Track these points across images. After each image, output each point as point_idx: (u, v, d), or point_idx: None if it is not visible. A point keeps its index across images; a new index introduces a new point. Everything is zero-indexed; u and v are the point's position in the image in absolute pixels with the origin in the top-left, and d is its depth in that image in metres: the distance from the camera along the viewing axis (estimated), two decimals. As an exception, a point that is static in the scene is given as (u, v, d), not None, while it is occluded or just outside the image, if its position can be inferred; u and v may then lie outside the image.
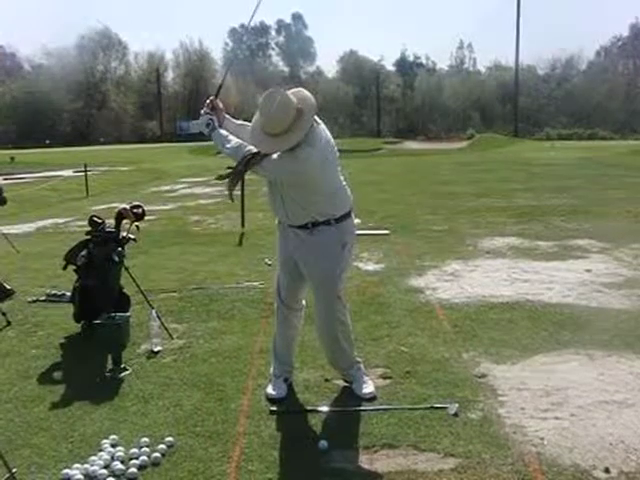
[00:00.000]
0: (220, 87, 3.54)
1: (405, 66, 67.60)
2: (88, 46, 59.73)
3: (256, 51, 78.69)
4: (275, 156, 3.18)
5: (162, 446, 2.96)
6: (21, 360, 4.23)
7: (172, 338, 4.54)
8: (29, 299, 5.64)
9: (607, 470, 2.68)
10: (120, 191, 16.59)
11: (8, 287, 5.82)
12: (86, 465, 2.84)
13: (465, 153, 33.68)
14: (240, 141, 3.32)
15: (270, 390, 3.52)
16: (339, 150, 3.39)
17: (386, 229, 8.82)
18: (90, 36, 60.17)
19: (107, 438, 3.07)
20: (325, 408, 3.34)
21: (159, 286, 6.03)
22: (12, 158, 28.82)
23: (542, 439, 2.95)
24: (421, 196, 13.25)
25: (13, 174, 21.30)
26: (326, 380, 3.69)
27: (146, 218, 5.26)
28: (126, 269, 4.82)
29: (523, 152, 30.48)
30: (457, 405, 3.28)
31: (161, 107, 57.64)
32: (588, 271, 6.20)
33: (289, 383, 3.61)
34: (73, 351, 4.44)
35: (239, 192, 9.78)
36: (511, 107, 53.52)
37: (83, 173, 16.65)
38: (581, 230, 8.50)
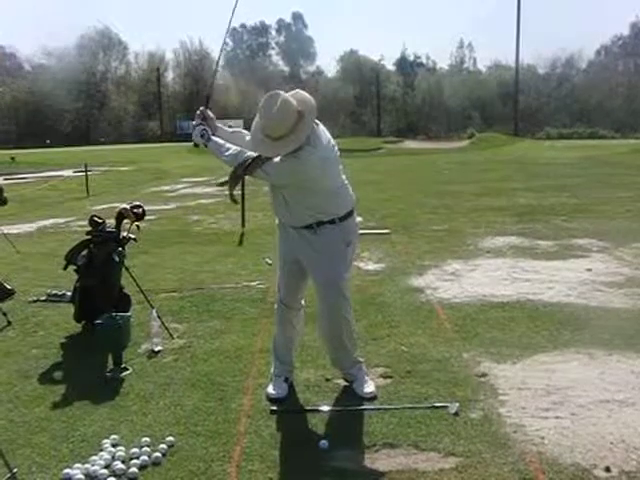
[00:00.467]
0: (208, 98, 3.51)
1: (405, 65, 67.54)
2: (88, 46, 59.75)
3: (256, 51, 78.71)
4: (277, 159, 3.17)
5: (163, 446, 2.96)
6: (22, 360, 4.23)
7: (173, 338, 4.54)
8: (30, 299, 5.65)
9: (608, 469, 2.68)
10: (120, 191, 16.58)
11: (9, 287, 5.82)
12: (87, 465, 2.84)
13: (465, 152, 33.66)
14: (238, 148, 3.32)
15: (271, 390, 3.52)
16: (339, 150, 3.39)
17: (386, 229, 8.82)
18: (90, 36, 60.23)
19: (108, 438, 3.07)
20: (326, 408, 3.34)
21: (159, 286, 6.03)
22: (13, 158, 28.82)
23: (543, 438, 2.95)
24: (421, 195, 13.25)
25: (14, 174, 21.32)
26: (327, 380, 3.69)
27: (146, 218, 5.27)
28: (126, 269, 4.83)
29: (523, 151, 30.47)
30: (458, 404, 3.28)
31: (161, 107, 57.64)
32: (589, 270, 6.20)
33: (290, 383, 3.61)
34: (74, 351, 4.44)
35: (239, 192, 9.80)
36: (511, 106, 53.45)
37: (83, 173, 16.65)
38: (581, 229, 8.50)
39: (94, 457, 2.90)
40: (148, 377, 3.85)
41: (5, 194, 6.29)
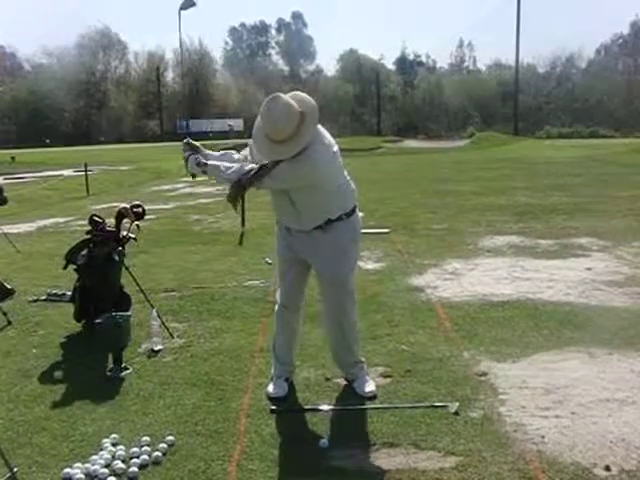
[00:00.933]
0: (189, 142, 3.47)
1: (405, 65, 67.54)
2: (88, 45, 59.73)
3: (256, 50, 78.69)
4: (284, 163, 3.12)
5: (163, 445, 2.96)
6: (22, 359, 4.23)
7: (173, 337, 4.54)
8: (30, 299, 5.65)
9: (608, 468, 2.68)
10: (120, 190, 16.59)
11: (9, 287, 5.82)
12: (87, 464, 2.84)
13: (465, 152, 33.65)
14: (237, 164, 3.29)
15: (271, 389, 3.52)
16: (340, 149, 3.39)
17: (386, 228, 8.82)
18: (90, 35, 60.20)
19: (108, 437, 3.07)
20: (326, 407, 3.35)
21: (159, 285, 6.04)
22: (12, 158, 28.80)
23: (543, 437, 2.95)
24: (421, 195, 13.24)
25: (14, 174, 21.29)
26: (327, 379, 3.70)
27: (146, 217, 5.27)
28: (126, 268, 4.83)
29: (523, 150, 30.46)
30: (458, 403, 3.28)
31: (161, 106, 57.61)
32: (589, 269, 6.20)
33: (290, 382, 3.62)
34: (74, 350, 4.44)
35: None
36: (511, 106, 53.43)
37: (83, 172, 16.65)
38: (582, 228, 8.49)
39: (94, 456, 2.90)
40: (148, 376, 3.85)
41: (5, 194, 6.30)
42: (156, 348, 4.29)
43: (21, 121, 53.24)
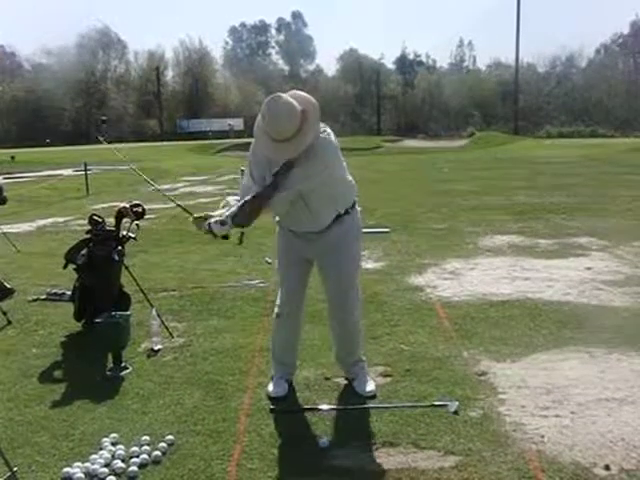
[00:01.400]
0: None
1: (405, 64, 67.57)
2: (88, 45, 59.73)
3: (256, 50, 78.69)
4: (299, 167, 3.09)
5: (163, 444, 2.96)
6: (22, 359, 4.23)
7: (172, 337, 4.54)
8: (29, 298, 5.64)
9: (607, 467, 2.68)
10: (120, 190, 16.58)
11: (8, 286, 5.81)
12: (87, 463, 2.84)
13: (465, 151, 33.65)
14: (246, 198, 3.21)
15: (270, 389, 3.52)
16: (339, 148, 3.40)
17: (386, 227, 8.82)
18: (90, 35, 60.21)
19: (108, 436, 3.07)
20: (325, 406, 3.34)
21: (159, 285, 6.03)
22: (12, 157, 28.82)
23: (542, 437, 2.95)
24: (421, 194, 13.25)
25: (13, 173, 21.29)
26: (326, 378, 3.69)
27: (146, 217, 5.27)
28: (126, 268, 4.83)
29: (523, 150, 30.47)
30: (457, 403, 3.28)
31: (161, 106, 57.64)
32: (589, 269, 6.20)
33: (290, 382, 3.61)
34: (74, 350, 4.44)
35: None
36: (511, 105, 53.46)
37: (83, 172, 16.65)
38: (581, 228, 8.50)
39: (94, 456, 2.90)
40: (148, 376, 3.85)
41: (5, 193, 6.28)
42: (156, 347, 4.29)
43: (21, 121, 53.27)
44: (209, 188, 16.78)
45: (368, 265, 6.64)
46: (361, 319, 3.63)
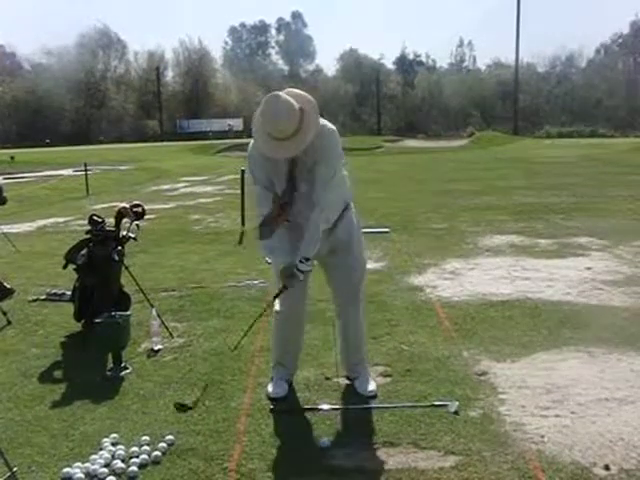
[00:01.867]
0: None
1: (405, 64, 67.59)
2: (88, 45, 59.71)
3: (256, 50, 78.70)
4: (319, 163, 3.14)
5: (163, 444, 2.96)
6: (22, 359, 4.23)
7: (172, 337, 4.54)
8: (29, 298, 5.64)
9: (607, 467, 2.68)
10: (120, 190, 16.58)
11: (8, 286, 5.81)
12: (87, 464, 2.84)
13: (465, 151, 33.65)
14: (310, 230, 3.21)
15: (270, 389, 3.52)
16: None
17: (386, 227, 8.82)
18: (90, 35, 60.19)
19: (108, 437, 3.07)
20: (325, 406, 3.34)
21: (159, 285, 6.03)
22: (12, 157, 28.81)
23: (542, 437, 2.95)
24: (421, 194, 13.25)
25: (13, 173, 21.30)
26: (326, 378, 3.69)
27: (146, 217, 5.27)
28: (126, 268, 4.83)
29: (523, 150, 30.46)
30: (457, 403, 3.28)
31: (161, 106, 57.62)
32: (588, 269, 6.20)
33: (289, 382, 3.61)
34: (73, 350, 4.44)
35: (239, 191, 9.81)
36: (511, 105, 53.46)
37: (83, 172, 16.65)
38: (581, 228, 8.50)
39: (94, 456, 2.90)
40: (148, 376, 3.85)
41: (5, 193, 6.28)
42: (156, 348, 4.29)
43: (21, 121, 53.26)
44: (209, 188, 16.78)
45: (368, 265, 6.58)
46: (364, 319, 3.65)
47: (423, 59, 70.97)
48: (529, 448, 2.86)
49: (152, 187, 17.61)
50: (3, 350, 4.41)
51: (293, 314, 3.51)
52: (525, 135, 45.24)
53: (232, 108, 59.19)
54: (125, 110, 58.82)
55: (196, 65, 62.38)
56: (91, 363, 4.10)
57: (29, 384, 3.80)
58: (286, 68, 74.77)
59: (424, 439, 2.97)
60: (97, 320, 4.06)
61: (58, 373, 4.02)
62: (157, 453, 2.90)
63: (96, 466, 2.81)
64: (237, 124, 53.04)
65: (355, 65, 66.42)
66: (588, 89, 56.85)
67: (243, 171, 9.89)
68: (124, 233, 4.84)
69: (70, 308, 4.89)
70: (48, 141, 46.16)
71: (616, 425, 3.03)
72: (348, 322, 3.54)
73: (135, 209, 4.84)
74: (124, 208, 4.81)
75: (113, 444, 3.01)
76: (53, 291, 5.65)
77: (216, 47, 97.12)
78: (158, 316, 4.49)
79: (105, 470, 2.80)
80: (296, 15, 78.75)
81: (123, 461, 2.86)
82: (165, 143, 44.84)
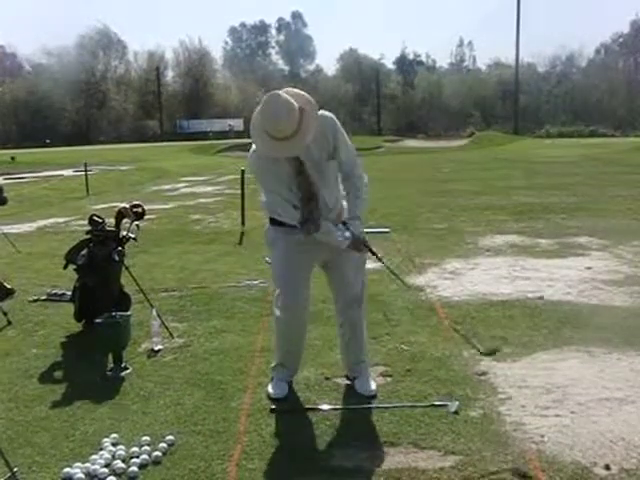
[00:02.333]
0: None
1: (405, 64, 67.59)
2: (88, 45, 59.72)
3: (256, 50, 78.72)
4: (344, 149, 3.27)
5: (163, 444, 2.96)
6: (22, 359, 4.23)
7: (173, 337, 4.54)
8: (30, 298, 5.64)
9: (607, 467, 2.68)
10: (120, 190, 16.59)
11: (9, 286, 5.82)
12: (87, 464, 2.84)
13: (465, 151, 33.65)
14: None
15: (271, 389, 3.52)
16: None
17: (386, 227, 8.82)
18: (90, 35, 60.20)
19: (108, 437, 3.07)
20: (326, 406, 3.34)
21: (159, 285, 6.04)
22: (13, 158, 28.84)
23: (542, 436, 2.95)
24: (421, 194, 13.25)
25: (13, 174, 21.32)
26: (326, 378, 3.69)
27: (146, 217, 5.27)
28: (126, 268, 4.83)
29: (523, 150, 30.47)
30: (457, 403, 3.28)
31: (161, 106, 57.62)
32: (588, 268, 6.20)
33: (289, 383, 3.61)
34: (74, 350, 4.44)
35: (240, 191, 9.81)
36: (511, 105, 53.46)
37: (83, 172, 16.66)
38: (581, 227, 8.50)
39: (94, 456, 2.90)
40: (148, 376, 3.85)
41: (5, 194, 6.30)
42: (156, 348, 4.29)
43: (21, 121, 53.30)
44: (209, 188, 16.79)
45: (368, 265, 6.60)
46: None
47: (423, 59, 71.03)
48: (529, 448, 2.86)
49: (152, 187, 17.62)
50: (3, 350, 4.41)
51: (296, 315, 3.47)
52: (525, 135, 45.22)
53: (232, 108, 59.18)
54: (125, 110, 58.82)
55: (196, 65, 62.35)
56: (91, 363, 4.10)
57: (29, 384, 3.81)
58: (286, 68, 74.82)
59: (424, 439, 2.97)
60: (97, 320, 4.07)
61: (58, 373, 4.02)
62: (157, 453, 2.90)
63: (96, 466, 2.81)
64: (237, 124, 53.02)
65: (355, 65, 66.41)
66: (588, 89, 56.84)
67: (243, 171, 9.90)
68: (124, 233, 4.84)
69: (70, 308, 4.89)
70: (48, 141, 46.18)
71: (616, 425, 3.03)
72: (350, 323, 3.54)
73: (135, 209, 4.84)
74: (124, 208, 4.81)
75: (113, 444, 3.01)
76: (53, 291, 5.66)
77: (216, 47, 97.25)
78: (158, 316, 4.50)
79: (105, 470, 2.80)
80: (296, 15, 78.84)
81: (123, 461, 2.86)
82: (165, 143, 44.82)
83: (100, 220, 4.80)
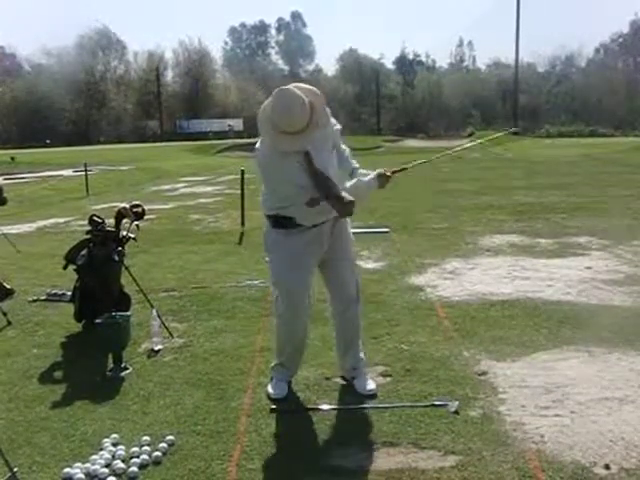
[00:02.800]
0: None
1: (405, 64, 67.58)
2: (88, 45, 59.72)
3: (256, 50, 78.73)
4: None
5: (163, 445, 2.96)
6: (22, 360, 4.23)
7: (172, 337, 4.54)
8: (30, 299, 5.64)
9: (607, 467, 2.68)
10: (120, 190, 16.59)
11: (8, 287, 5.82)
12: (87, 464, 2.84)
13: (465, 151, 33.60)
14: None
15: (270, 389, 3.52)
16: None
17: (386, 227, 8.82)
18: (89, 35, 60.19)
19: (108, 437, 3.07)
20: (326, 406, 3.35)
21: (159, 285, 6.04)
22: (12, 158, 28.83)
23: (542, 436, 2.95)
24: (421, 194, 13.25)
25: (13, 174, 21.32)
26: (326, 378, 3.69)
27: (146, 217, 5.27)
28: (126, 268, 4.83)
29: (523, 149, 30.47)
30: (457, 403, 3.28)
31: (161, 106, 57.60)
32: (588, 268, 6.20)
33: (289, 383, 3.61)
34: (74, 350, 4.44)
35: (240, 192, 9.81)
36: (511, 105, 53.46)
37: (83, 172, 16.66)
38: (581, 227, 8.50)
39: (94, 456, 2.90)
40: (148, 376, 3.85)
41: (5, 194, 6.29)
42: (156, 348, 4.29)
43: (21, 121, 53.27)
44: (209, 188, 16.79)
45: (368, 265, 6.64)
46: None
47: (423, 59, 71.03)
48: (529, 448, 2.86)
49: (152, 187, 17.62)
50: (4, 350, 4.41)
51: (299, 316, 3.47)
52: (525, 135, 45.20)
53: (232, 108, 59.18)
54: (125, 110, 58.81)
55: (196, 65, 62.34)
56: (91, 363, 4.10)
57: (30, 384, 3.81)
58: (286, 68, 74.79)
59: (424, 439, 2.97)
60: (97, 320, 4.07)
61: (58, 373, 4.03)
62: (157, 453, 2.90)
63: (96, 466, 2.81)
64: (237, 124, 53.02)
65: (355, 65, 66.40)
66: (588, 89, 56.84)
67: (243, 171, 9.90)
68: (124, 233, 4.84)
69: (70, 309, 4.89)
70: (48, 141, 46.16)
71: (616, 424, 3.03)
72: (349, 322, 3.54)
73: (135, 209, 4.84)
74: (124, 208, 4.81)
75: (113, 444, 3.01)
76: (53, 291, 5.66)
77: (216, 47, 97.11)
78: (158, 316, 4.50)
79: (105, 470, 2.80)
80: (296, 15, 78.87)
81: (123, 461, 2.86)
82: (165, 143, 44.81)
83: (100, 220, 4.80)
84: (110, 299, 4.67)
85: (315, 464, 2.83)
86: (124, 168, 23.74)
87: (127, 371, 3.92)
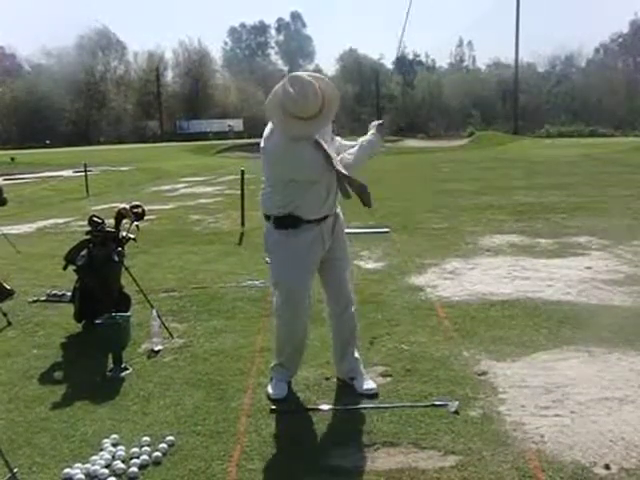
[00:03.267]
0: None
1: (405, 64, 67.56)
2: (87, 46, 59.73)
3: (255, 50, 78.75)
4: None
5: (163, 445, 2.96)
6: (22, 360, 4.23)
7: (172, 337, 4.54)
8: (30, 299, 5.64)
9: (607, 467, 2.68)
10: (120, 191, 16.59)
11: (8, 287, 5.81)
12: (87, 464, 2.84)
13: (465, 151, 33.66)
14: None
15: (270, 390, 3.52)
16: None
17: (386, 227, 8.82)
18: (89, 36, 60.21)
19: (108, 437, 3.07)
20: (325, 406, 3.35)
21: (159, 285, 6.04)
22: (12, 158, 28.83)
23: (542, 436, 2.95)
24: (421, 194, 13.25)
25: (13, 174, 21.31)
26: (326, 379, 3.69)
27: (146, 217, 5.28)
28: (126, 269, 4.83)
29: (523, 149, 30.47)
30: (457, 403, 3.28)
31: (161, 106, 57.61)
32: (588, 268, 6.20)
33: (289, 383, 3.61)
34: (74, 351, 4.45)
35: (240, 192, 9.81)
36: (511, 105, 53.45)
37: (83, 173, 16.65)
38: (581, 227, 8.50)
39: (94, 457, 2.90)
40: (148, 377, 3.85)
41: (5, 194, 6.29)
42: (156, 348, 4.29)
43: (21, 121, 53.28)
44: (209, 189, 16.79)
45: (368, 265, 6.64)
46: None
47: (423, 59, 71.07)
48: (529, 448, 2.86)
49: (152, 188, 17.61)
50: (4, 351, 4.42)
51: (300, 317, 3.47)
52: (525, 135, 45.19)
53: (232, 108, 59.18)
54: (125, 111, 58.82)
55: (196, 66, 62.34)
56: (91, 364, 4.10)
57: (30, 385, 3.81)
58: (285, 68, 74.67)
59: (424, 439, 2.97)
60: (97, 321, 4.07)
61: (58, 374, 4.03)
62: (157, 454, 2.90)
63: (96, 467, 2.81)
64: (237, 125, 53.03)
65: (355, 65, 66.41)
66: (588, 89, 56.83)
67: (243, 171, 9.90)
68: (124, 234, 4.84)
69: (70, 309, 4.90)
70: (48, 142, 46.17)
71: (616, 424, 3.03)
72: (346, 323, 3.54)
73: (135, 210, 4.85)
74: (124, 209, 4.81)
75: (113, 445, 3.01)
76: (53, 292, 5.66)
77: (216, 47, 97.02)
78: (158, 317, 4.50)
79: (106, 471, 2.80)
80: (295, 15, 78.95)
81: (123, 462, 2.86)
82: (165, 144, 44.82)
83: (100, 221, 4.80)
84: (110, 299, 4.67)
85: (315, 464, 2.83)
86: (124, 168, 23.74)
87: (127, 371, 3.92)
